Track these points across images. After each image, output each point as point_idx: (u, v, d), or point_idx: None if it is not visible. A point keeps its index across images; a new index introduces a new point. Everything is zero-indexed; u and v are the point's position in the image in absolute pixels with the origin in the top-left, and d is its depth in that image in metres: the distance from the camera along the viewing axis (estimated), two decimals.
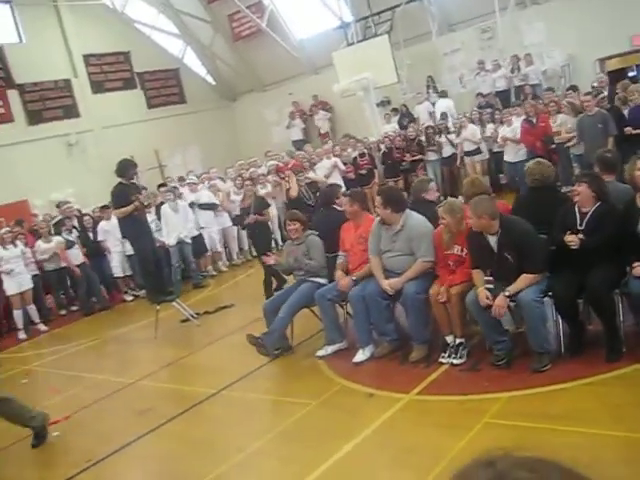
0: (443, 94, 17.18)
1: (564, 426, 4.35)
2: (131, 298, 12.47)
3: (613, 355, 5.12)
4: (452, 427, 4.70)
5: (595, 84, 13.48)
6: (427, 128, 14.70)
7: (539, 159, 6.58)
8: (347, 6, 18.13)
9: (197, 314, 9.69)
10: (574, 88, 13.23)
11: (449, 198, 7.76)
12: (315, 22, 19.66)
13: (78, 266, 12.03)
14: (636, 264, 4.97)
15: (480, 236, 5.54)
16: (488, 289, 5.42)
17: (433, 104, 17.11)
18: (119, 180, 9.08)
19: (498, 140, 13.17)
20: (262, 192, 12.38)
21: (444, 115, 15.59)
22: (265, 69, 21.68)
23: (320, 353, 6.83)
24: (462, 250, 5.91)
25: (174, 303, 9.54)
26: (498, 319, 5.46)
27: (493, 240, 5.47)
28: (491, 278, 5.48)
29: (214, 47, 22.18)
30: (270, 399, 6.39)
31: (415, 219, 6.30)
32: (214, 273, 13.11)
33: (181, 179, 14.96)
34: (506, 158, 12.95)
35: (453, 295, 5.83)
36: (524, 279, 5.30)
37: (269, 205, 11.07)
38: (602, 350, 5.21)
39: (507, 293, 5.31)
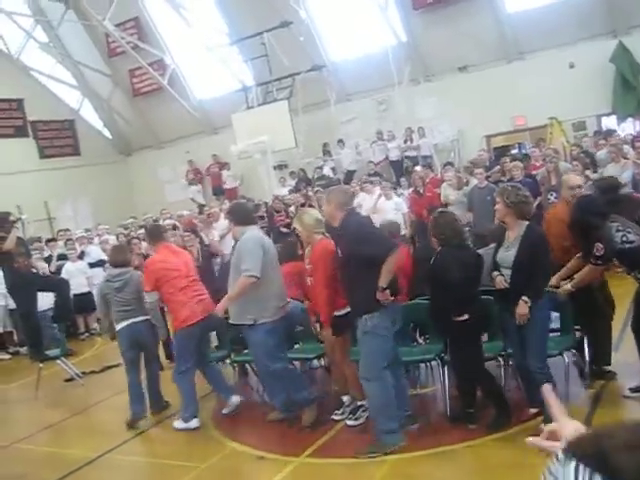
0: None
1: None
2: (8, 356, 11.77)
3: (500, 421, 5.26)
4: None
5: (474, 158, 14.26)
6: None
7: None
8: (249, 70, 18.48)
9: (83, 373, 9.29)
10: (451, 164, 13.93)
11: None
12: (216, 83, 19.91)
13: None
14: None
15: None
16: None
17: (332, 169, 17.59)
18: None
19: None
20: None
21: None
22: (163, 126, 21.62)
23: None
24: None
25: (58, 361, 9.12)
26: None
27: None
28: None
29: (112, 101, 21.96)
30: (155, 462, 6.16)
31: (249, 234, 5.86)
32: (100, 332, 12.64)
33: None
34: None
35: (338, 354, 5.79)
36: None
37: None
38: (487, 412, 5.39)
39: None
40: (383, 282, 4.98)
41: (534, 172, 11.10)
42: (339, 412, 6.00)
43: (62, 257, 12.72)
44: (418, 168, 14.31)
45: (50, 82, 21.28)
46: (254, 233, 5.98)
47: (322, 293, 5.62)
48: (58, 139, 21.10)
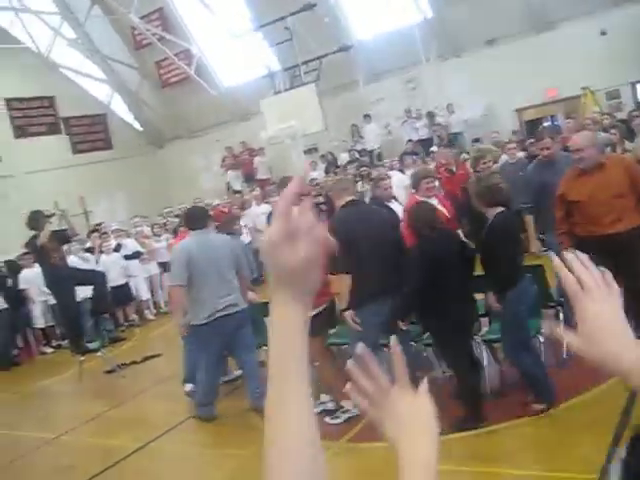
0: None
1: (495, 467, 4.41)
2: (51, 350, 12.01)
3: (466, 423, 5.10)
4: (379, 475, 4.67)
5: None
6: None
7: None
8: (275, 55, 18.41)
9: (124, 364, 9.42)
10: (478, 140, 13.74)
11: None
12: (243, 70, 19.88)
13: None
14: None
15: None
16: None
17: (359, 151, 17.52)
18: (33, 233, 8.90)
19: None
20: None
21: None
22: (193, 116, 21.69)
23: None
24: None
25: (99, 353, 9.27)
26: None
27: None
28: None
29: (141, 93, 22.10)
30: (199, 451, 6.21)
31: (181, 243, 6.54)
32: (139, 323, 12.81)
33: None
34: None
35: (315, 355, 5.60)
36: None
37: None
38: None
39: None
40: (342, 303, 5.40)
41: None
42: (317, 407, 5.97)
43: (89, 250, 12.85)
44: (434, 149, 14.14)
45: (79, 78, 21.49)
46: (186, 242, 6.49)
47: None
48: (90, 134, 21.28)
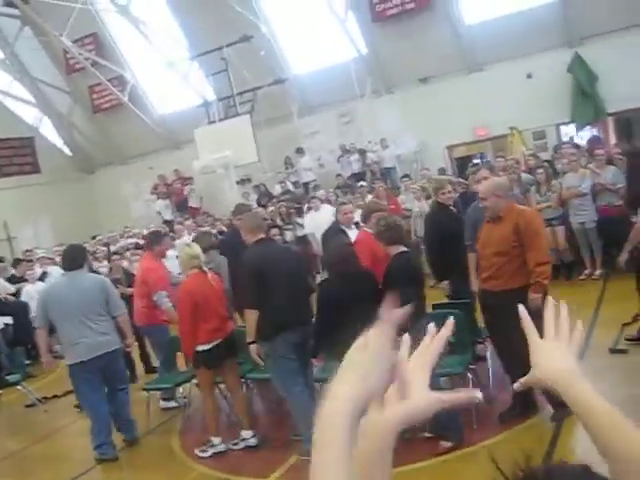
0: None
1: None
2: None
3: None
4: None
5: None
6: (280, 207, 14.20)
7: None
8: (210, 85, 18.40)
9: (45, 398, 9.08)
10: (408, 176, 14.10)
11: None
12: (177, 98, 19.77)
13: None
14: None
15: None
16: None
17: (294, 183, 17.58)
18: None
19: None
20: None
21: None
22: (125, 142, 21.39)
23: None
24: None
25: (19, 386, 8.90)
26: None
27: None
28: None
29: (72, 118, 21.66)
30: None
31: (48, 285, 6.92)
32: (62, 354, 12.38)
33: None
34: None
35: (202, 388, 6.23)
36: None
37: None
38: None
39: None
40: (249, 337, 5.61)
41: None
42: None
43: (21, 279, 12.44)
44: (364, 183, 14.29)
45: (7, 99, 20.92)
46: (51, 284, 7.10)
47: (183, 327, 5.92)
48: (17, 157, 20.65)
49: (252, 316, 5.53)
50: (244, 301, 5.76)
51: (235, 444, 6.04)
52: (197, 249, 6.12)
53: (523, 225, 5.21)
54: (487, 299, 5.49)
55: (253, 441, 6.02)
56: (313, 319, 5.67)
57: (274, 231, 8.22)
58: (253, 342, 5.62)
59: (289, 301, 5.46)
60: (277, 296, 5.43)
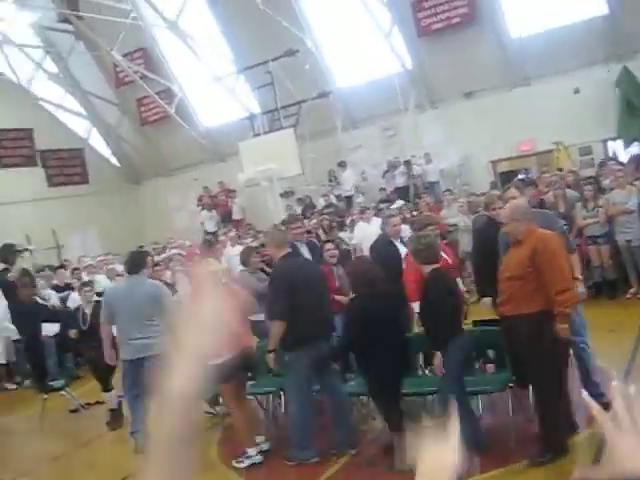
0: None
1: None
2: (14, 386, 11.70)
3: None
4: None
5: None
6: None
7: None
8: (255, 98, 18.61)
9: (88, 404, 9.23)
10: (450, 191, 14.00)
11: None
12: (223, 111, 20.04)
13: None
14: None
15: None
16: None
17: (337, 196, 17.65)
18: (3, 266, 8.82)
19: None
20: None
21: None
22: (171, 154, 21.76)
23: None
24: None
25: (63, 392, 9.08)
26: None
27: None
28: None
29: (120, 129, 22.14)
30: None
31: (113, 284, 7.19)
32: None
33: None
34: None
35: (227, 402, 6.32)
36: None
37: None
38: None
39: None
40: (271, 345, 5.87)
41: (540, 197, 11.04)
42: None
43: (68, 287, 12.68)
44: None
45: (59, 112, 21.50)
46: (113, 285, 8.03)
47: None
48: (67, 167, 21.22)
49: (278, 327, 5.77)
50: (270, 312, 6.08)
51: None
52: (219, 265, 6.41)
53: (541, 248, 5.07)
54: (503, 323, 5.45)
55: (258, 458, 6.06)
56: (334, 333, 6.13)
57: (328, 245, 8.10)
58: (273, 350, 5.88)
59: (314, 316, 5.74)
60: (303, 310, 5.69)
